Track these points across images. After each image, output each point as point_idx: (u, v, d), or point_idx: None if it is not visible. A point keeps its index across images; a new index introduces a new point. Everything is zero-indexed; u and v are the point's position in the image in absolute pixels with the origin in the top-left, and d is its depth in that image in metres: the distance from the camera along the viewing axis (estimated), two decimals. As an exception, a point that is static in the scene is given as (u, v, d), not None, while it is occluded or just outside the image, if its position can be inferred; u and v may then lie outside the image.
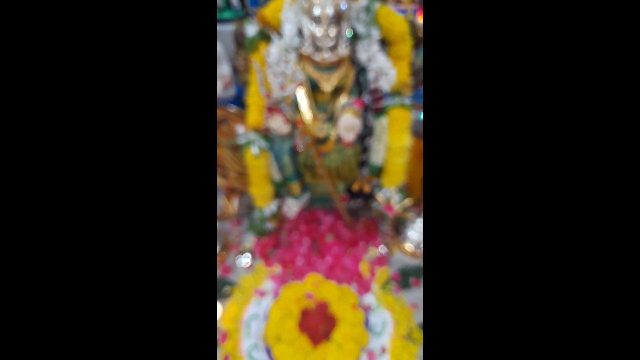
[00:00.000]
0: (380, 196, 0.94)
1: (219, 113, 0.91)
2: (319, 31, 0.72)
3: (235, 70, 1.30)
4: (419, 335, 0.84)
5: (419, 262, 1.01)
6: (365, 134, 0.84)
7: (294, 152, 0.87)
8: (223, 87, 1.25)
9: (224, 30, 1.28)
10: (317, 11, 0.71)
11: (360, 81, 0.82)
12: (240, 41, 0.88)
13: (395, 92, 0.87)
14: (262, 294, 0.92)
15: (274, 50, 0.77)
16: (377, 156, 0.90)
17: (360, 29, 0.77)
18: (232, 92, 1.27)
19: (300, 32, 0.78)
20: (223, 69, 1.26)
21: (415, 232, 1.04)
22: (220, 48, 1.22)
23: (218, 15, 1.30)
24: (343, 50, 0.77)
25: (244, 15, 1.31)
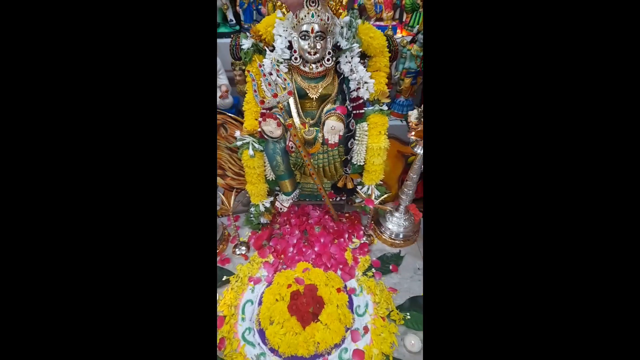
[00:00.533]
0: (361, 192, 1.05)
1: (218, 118, 1.01)
2: (306, 45, 0.84)
3: (231, 81, 1.40)
4: (397, 316, 0.93)
5: (397, 250, 1.12)
6: (348, 137, 0.95)
7: (285, 153, 0.97)
8: (220, 96, 1.36)
9: (221, 44, 1.38)
10: (304, 27, 0.82)
11: (343, 90, 0.93)
12: (236, 54, 0.98)
13: (375, 100, 0.99)
14: (256, 281, 1.01)
15: (267, 62, 0.87)
16: (358, 156, 1.01)
17: (343, 43, 0.89)
18: (229, 101, 1.38)
19: (290, 46, 0.89)
20: (221, 80, 1.37)
21: (392, 224, 1.14)
22: (218, 60, 1.33)
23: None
24: (328, 62, 0.88)
25: (239, 30, 1.41)
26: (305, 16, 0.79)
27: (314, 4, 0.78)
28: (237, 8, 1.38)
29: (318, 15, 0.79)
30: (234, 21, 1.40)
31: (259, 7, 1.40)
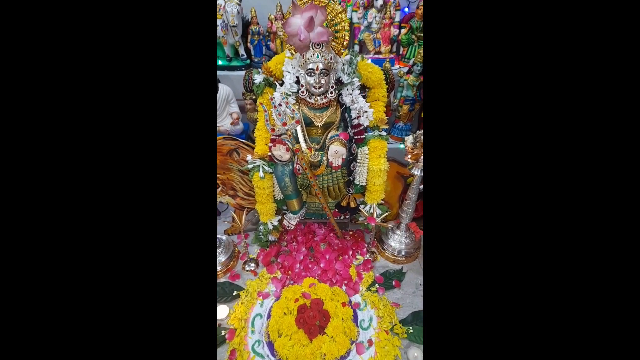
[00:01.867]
0: (364, 210, 1.12)
1: (232, 143, 1.11)
2: (312, 81, 0.95)
3: (242, 109, 1.53)
4: (400, 330, 0.97)
5: (399, 266, 1.17)
6: (350, 160, 1.04)
7: (293, 174, 1.06)
8: (232, 123, 1.47)
9: (233, 76, 1.52)
10: (311, 66, 0.93)
11: (345, 118, 1.03)
12: (248, 87, 1.10)
13: (374, 127, 1.09)
14: (265, 296, 1.06)
15: (277, 94, 0.99)
16: (360, 178, 1.10)
17: (345, 77, 1.00)
18: (240, 126, 1.49)
19: (297, 81, 1.01)
20: (232, 108, 1.49)
21: (394, 241, 1.20)
22: (230, 90, 1.46)
23: (228, 63, 1.55)
24: (331, 94, 0.99)
25: (249, 63, 1.56)
26: (311, 56, 0.91)
27: (318, 47, 0.90)
28: (248, 44, 1.53)
29: (322, 55, 0.91)
30: (245, 56, 1.55)
31: (268, 42, 1.55)
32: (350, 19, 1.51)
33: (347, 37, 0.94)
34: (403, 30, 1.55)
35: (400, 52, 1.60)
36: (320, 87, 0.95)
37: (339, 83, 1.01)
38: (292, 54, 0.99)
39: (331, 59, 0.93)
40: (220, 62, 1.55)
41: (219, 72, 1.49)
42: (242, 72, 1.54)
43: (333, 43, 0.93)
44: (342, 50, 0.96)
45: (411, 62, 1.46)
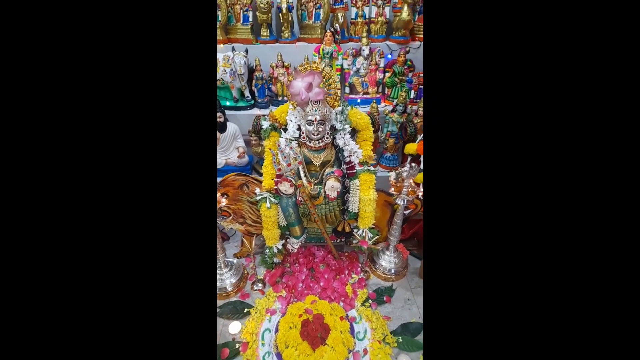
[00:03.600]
0: (357, 234, 1.30)
1: (242, 178, 1.29)
2: (311, 129, 1.15)
3: (247, 143, 1.72)
4: (391, 339, 1.13)
5: (389, 283, 1.33)
6: (344, 192, 1.23)
7: (296, 205, 1.23)
8: (239, 156, 1.66)
9: (240, 115, 1.73)
10: (310, 117, 1.13)
11: (339, 157, 1.23)
12: (257, 130, 1.29)
13: (364, 162, 1.29)
14: (272, 312, 1.21)
15: (282, 140, 1.18)
16: (353, 206, 1.28)
17: (338, 125, 1.21)
18: (245, 159, 1.68)
19: (299, 128, 1.21)
20: (239, 143, 1.69)
21: (385, 261, 1.37)
22: (237, 128, 1.66)
23: (235, 104, 1.76)
24: (327, 139, 1.19)
25: (253, 103, 1.77)
26: (310, 110, 1.11)
27: (316, 103, 1.10)
28: (253, 87, 1.75)
29: (319, 110, 1.11)
30: (250, 97, 1.76)
31: (270, 85, 1.77)
32: (341, 65, 1.75)
33: (338, 94, 1.15)
34: (387, 74, 1.80)
35: (386, 92, 1.84)
36: (318, 134, 1.15)
37: (333, 129, 1.21)
38: (294, 107, 1.20)
39: (326, 112, 1.13)
40: (228, 103, 1.75)
41: (227, 112, 1.69)
42: (248, 112, 1.75)
43: (327, 98, 1.14)
44: (335, 104, 1.17)
45: (395, 102, 1.69)
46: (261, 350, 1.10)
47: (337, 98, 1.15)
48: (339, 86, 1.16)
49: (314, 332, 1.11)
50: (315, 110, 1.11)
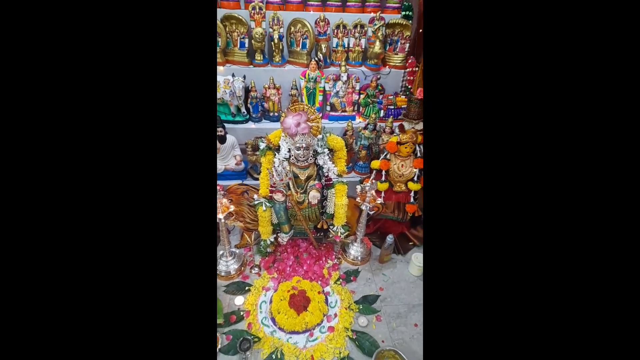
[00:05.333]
0: (332, 230, 1.70)
1: (244, 187, 1.64)
2: (299, 153, 1.51)
3: (243, 152, 2.05)
4: (354, 307, 1.55)
5: (356, 267, 1.76)
6: (323, 199, 1.61)
7: (286, 209, 1.61)
8: (236, 163, 2.00)
9: (237, 128, 2.04)
10: (298, 144, 1.49)
11: (319, 173, 1.60)
12: (254, 147, 1.62)
13: (339, 175, 1.67)
14: (267, 289, 1.60)
15: (276, 160, 1.54)
16: (330, 209, 1.67)
17: (319, 149, 1.57)
18: (242, 166, 2.02)
19: (289, 151, 1.56)
20: (236, 151, 2.02)
21: (353, 250, 1.79)
22: (235, 139, 1.98)
23: (233, 119, 2.06)
24: (310, 160, 1.56)
25: (248, 118, 2.08)
26: (298, 140, 1.47)
27: (303, 134, 1.46)
28: (248, 104, 2.05)
29: (305, 139, 1.47)
30: (246, 112, 2.07)
31: (263, 103, 2.08)
32: (324, 87, 2.09)
33: (319, 126, 1.51)
34: (362, 96, 2.16)
35: (360, 111, 2.20)
36: (304, 157, 1.51)
37: (315, 152, 1.58)
38: (286, 136, 1.54)
39: (310, 140, 1.49)
40: (227, 118, 2.06)
41: (226, 125, 2.00)
42: (244, 125, 2.07)
43: (312, 130, 1.49)
44: (317, 134, 1.53)
45: (367, 121, 2.06)
46: (260, 316, 1.50)
47: (319, 129, 1.51)
48: (320, 121, 1.51)
49: (299, 302, 1.52)
50: (302, 140, 1.47)
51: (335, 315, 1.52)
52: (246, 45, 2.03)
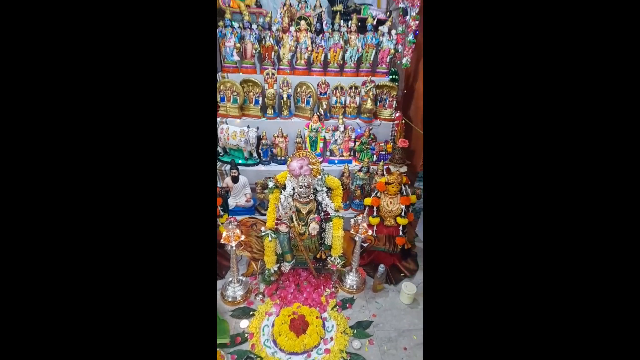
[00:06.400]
0: (330, 260, 1.91)
1: (253, 220, 1.90)
2: (302, 191, 1.79)
3: (253, 190, 2.34)
4: (349, 331, 1.69)
5: (351, 295, 1.92)
6: (321, 231, 1.85)
7: (289, 239, 1.84)
8: (246, 200, 2.28)
9: (248, 170, 2.36)
10: (301, 184, 1.78)
11: (319, 208, 1.87)
12: (263, 186, 1.91)
13: (336, 211, 1.93)
14: (269, 314, 1.76)
15: (282, 197, 1.82)
16: (327, 240, 1.90)
17: (318, 187, 1.86)
18: (251, 203, 2.30)
19: (293, 188, 1.85)
20: (246, 190, 2.31)
21: (349, 279, 1.97)
22: (246, 179, 2.29)
23: (245, 162, 2.39)
24: (311, 197, 1.83)
25: (259, 161, 2.42)
26: (301, 180, 1.76)
27: (306, 175, 1.76)
28: (259, 150, 2.40)
29: (307, 180, 1.76)
30: (257, 157, 2.41)
31: (272, 149, 2.43)
32: (324, 136, 2.44)
33: (319, 169, 1.81)
34: (357, 143, 2.50)
35: (356, 155, 2.54)
36: (305, 194, 1.79)
37: (315, 190, 1.86)
38: (291, 177, 1.85)
39: (311, 180, 1.79)
40: (240, 161, 2.39)
41: (239, 167, 2.32)
42: (254, 168, 2.39)
43: (312, 172, 1.79)
44: (317, 174, 1.82)
45: (361, 164, 2.37)
46: (262, 338, 1.64)
47: (318, 171, 1.81)
48: (319, 165, 1.82)
49: (298, 326, 1.67)
50: (304, 180, 1.76)
51: (332, 338, 1.65)
52: (260, 102, 2.44)
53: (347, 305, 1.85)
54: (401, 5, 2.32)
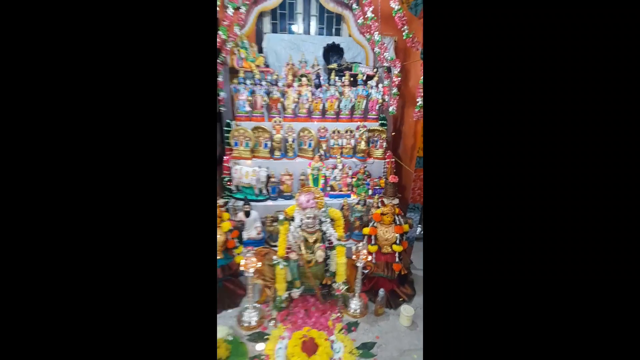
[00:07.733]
0: (334, 286, 2.10)
1: (266, 250, 2.13)
2: (309, 222, 2.05)
3: (263, 224, 2.59)
4: (355, 352, 1.85)
5: (355, 319, 2.08)
6: (326, 258, 2.08)
7: (298, 266, 2.06)
8: (257, 233, 2.51)
9: (259, 205, 2.63)
10: (307, 216, 2.04)
11: (324, 237, 2.11)
12: (274, 217, 2.16)
13: (338, 239, 2.17)
14: (283, 338, 1.92)
15: (292, 227, 2.07)
16: (332, 267, 2.12)
17: (323, 218, 2.12)
18: (261, 235, 2.53)
19: (301, 220, 2.11)
20: (257, 224, 2.55)
21: (353, 304, 2.15)
22: (257, 214, 2.54)
23: (256, 198, 2.67)
24: (317, 227, 2.09)
25: (268, 197, 2.70)
26: (308, 212, 2.03)
27: (312, 208, 2.03)
28: (268, 187, 2.69)
29: (313, 211, 2.03)
30: (266, 193, 2.69)
31: (279, 186, 2.72)
32: (325, 174, 2.76)
33: (323, 202, 2.09)
34: (354, 179, 2.82)
35: (353, 190, 2.84)
36: (312, 224, 2.05)
37: (320, 221, 2.12)
38: (299, 209, 2.12)
39: (317, 212, 2.06)
40: (251, 197, 2.66)
41: (251, 203, 2.58)
42: (264, 203, 2.66)
43: (317, 205, 2.07)
44: (321, 206, 2.10)
45: (359, 197, 2.66)
46: (277, 359, 1.79)
47: (322, 203, 2.09)
48: (323, 198, 2.11)
49: (309, 348, 1.83)
50: (311, 212, 2.03)
51: (340, 359, 1.80)
52: (268, 145, 2.79)
53: (352, 328, 2.02)
54: (385, 64, 2.79)
